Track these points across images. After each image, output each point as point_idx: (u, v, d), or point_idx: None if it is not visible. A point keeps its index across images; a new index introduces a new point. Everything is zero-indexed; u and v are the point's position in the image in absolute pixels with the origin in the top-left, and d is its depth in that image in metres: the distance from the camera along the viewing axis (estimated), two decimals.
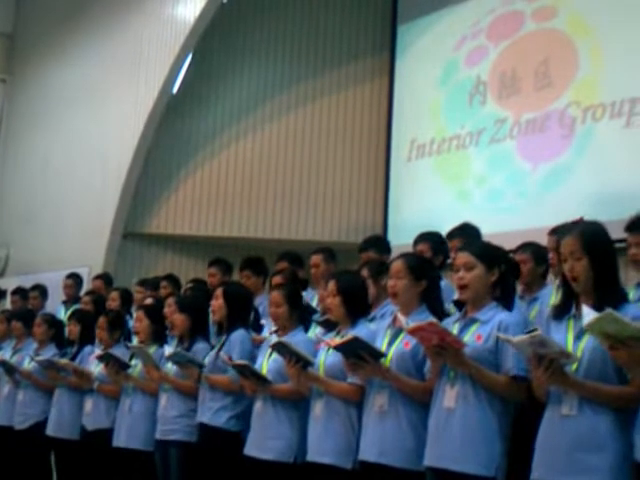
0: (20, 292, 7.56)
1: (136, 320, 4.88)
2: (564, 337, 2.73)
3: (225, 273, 5.62)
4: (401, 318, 3.17)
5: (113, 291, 6.15)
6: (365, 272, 4.05)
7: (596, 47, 6.61)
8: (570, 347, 2.69)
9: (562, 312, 2.80)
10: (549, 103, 6.86)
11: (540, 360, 2.62)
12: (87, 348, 5.35)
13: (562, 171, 6.64)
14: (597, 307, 2.57)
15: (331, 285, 3.68)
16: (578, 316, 2.74)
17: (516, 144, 7.09)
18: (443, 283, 3.84)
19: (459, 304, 3.53)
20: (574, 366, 2.65)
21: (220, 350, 4.23)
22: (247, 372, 3.89)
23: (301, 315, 4.06)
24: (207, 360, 4.31)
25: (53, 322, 5.79)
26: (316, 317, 4.41)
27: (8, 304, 8.22)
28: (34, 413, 5.54)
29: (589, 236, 2.74)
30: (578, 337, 2.71)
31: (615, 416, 2.62)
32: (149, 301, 5.34)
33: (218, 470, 4.12)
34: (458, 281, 3.13)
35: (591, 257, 2.71)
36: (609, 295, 2.68)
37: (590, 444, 2.60)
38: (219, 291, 4.39)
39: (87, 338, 5.37)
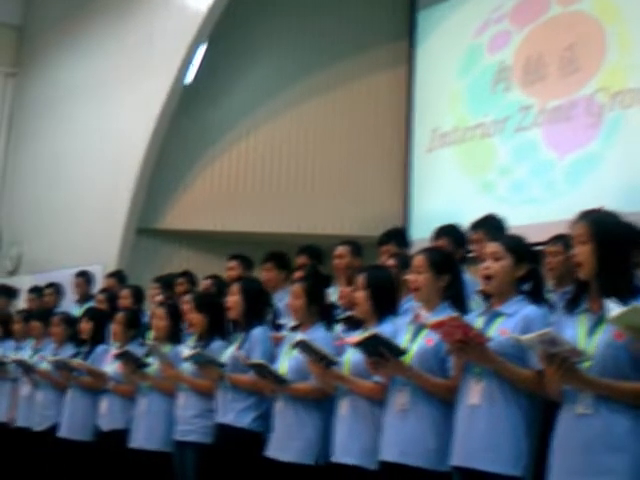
0: (36, 291, 7.63)
1: (157, 318, 4.91)
2: (576, 332, 2.73)
3: (246, 268, 5.63)
4: (422, 313, 3.18)
5: (125, 289, 6.19)
6: (392, 262, 4.08)
7: (625, 30, 6.56)
8: (582, 343, 2.69)
9: (574, 306, 2.81)
10: (576, 89, 6.82)
11: (551, 359, 2.61)
12: (100, 347, 5.42)
13: (589, 161, 6.61)
14: (601, 297, 2.60)
15: (360, 279, 3.69)
16: (590, 310, 2.74)
17: (542, 132, 7.06)
18: (466, 277, 3.85)
19: (485, 294, 3.53)
20: (587, 363, 2.64)
21: (240, 348, 4.25)
22: (264, 371, 3.91)
23: (322, 311, 4.08)
24: (227, 359, 4.33)
25: (70, 321, 5.84)
26: (336, 313, 4.43)
27: (22, 302, 8.30)
28: (52, 414, 5.59)
29: (598, 222, 2.77)
30: (590, 332, 2.70)
31: (634, 414, 2.60)
32: (160, 298, 5.38)
33: (241, 472, 4.14)
34: (483, 271, 3.15)
35: (597, 243, 2.72)
36: (613, 285, 2.67)
37: (607, 444, 2.59)
38: (235, 287, 4.40)
39: (100, 337, 5.43)
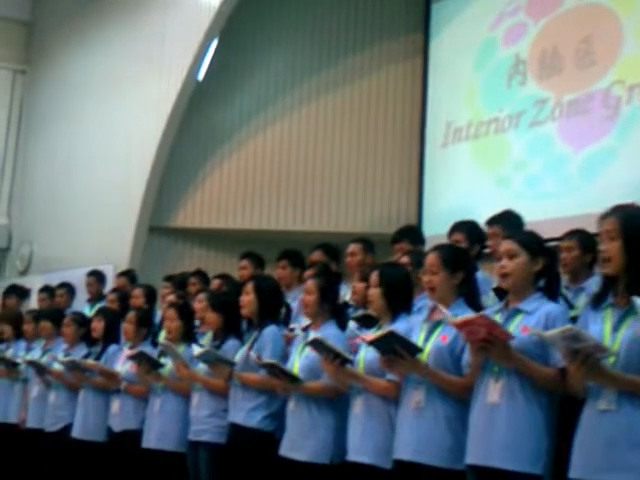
0: (47, 290, 7.66)
1: (168, 319, 4.96)
2: (601, 328, 2.74)
3: (257, 267, 5.68)
4: (444, 311, 3.20)
5: (137, 288, 6.24)
6: (405, 260, 4.10)
7: None
8: (607, 338, 2.70)
9: (600, 301, 2.82)
10: (592, 82, 6.81)
11: (575, 355, 2.62)
12: (112, 347, 5.46)
13: (605, 155, 6.59)
14: (628, 293, 2.61)
15: (374, 276, 3.72)
16: (616, 305, 2.76)
17: (557, 126, 7.06)
18: (480, 274, 3.87)
19: (500, 292, 3.55)
20: (611, 359, 2.66)
21: (252, 347, 4.29)
22: (277, 371, 3.94)
23: (334, 309, 4.11)
24: (238, 358, 4.38)
25: (83, 321, 5.87)
26: (349, 311, 4.46)
27: (33, 303, 8.36)
28: (65, 415, 5.63)
29: (630, 218, 2.76)
30: (615, 328, 2.71)
31: None
32: (172, 297, 5.42)
33: (251, 472, 4.18)
34: (500, 269, 3.17)
35: (626, 239, 2.72)
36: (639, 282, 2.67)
37: (630, 441, 2.59)
38: (250, 285, 4.44)
39: (112, 336, 5.48)
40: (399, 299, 3.69)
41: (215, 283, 5.55)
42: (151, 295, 6.15)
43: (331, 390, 3.83)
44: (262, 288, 4.42)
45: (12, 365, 6.39)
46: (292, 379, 3.91)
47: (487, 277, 4.36)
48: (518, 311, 3.12)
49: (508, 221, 4.47)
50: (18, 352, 6.54)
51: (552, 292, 3.19)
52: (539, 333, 2.80)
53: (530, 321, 3.06)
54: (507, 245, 3.19)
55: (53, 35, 10.83)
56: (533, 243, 3.20)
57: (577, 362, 2.62)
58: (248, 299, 4.41)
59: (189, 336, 4.92)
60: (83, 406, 5.43)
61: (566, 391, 2.96)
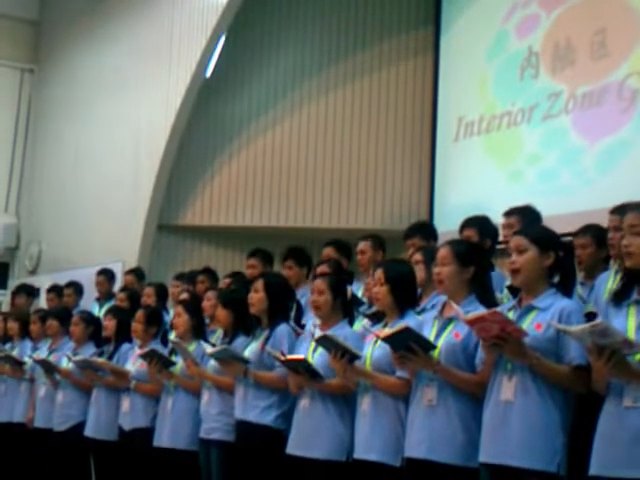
0: (56, 290, 7.69)
1: (176, 315, 4.99)
2: (624, 324, 2.72)
3: (265, 264, 5.67)
4: (456, 307, 3.18)
5: (148, 286, 6.28)
6: (418, 256, 4.09)
7: None
8: (632, 335, 2.68)
9: (622, 297, 2.79)
10: (607, 74, 6.76)
11: (601, 351, 2.60)
12: (125, 346, 5.48)
13: (621, 148, 6.54)
14: None
15: (379, 273, 3.71)
16: None
17: (571, 119, 7.01)
18: (493, 271, 3.84)
19: (514, 290, 3.52)
20: (637, 356, 2.63)
21: (264, 345, 4.27)
22: (301, 367, 3.91)
23: (345, 307, 4.09)
24: (250, 355, 4.35)
25: (91, 320, 5.89)
26: (362, 309, 4.44)
27: (42, 302, 8.38)
28: (74, 414, 5.65)
29: None
30: None
31: None
32: (184, 296, 5.42)
33: (263, 470, 4.18)
34: (510, 265, 3.15)
35: None
36: None
37: None
38: (259, 283, 4.42)
39: (124, 335, 5.48)
40: (405, 295, 3.69)
41: (225, 282, 5.53)
42: (162, 293, 6.18)
43: (348, 387, 3.81)
44: (272, 286, 4.40)
45: (17, 364, 6.40)
46: (313, 376, 3.88)
47: (500, 274, 4.32)
48: (531, 308, 3.10)
49: (526, 215, 4.45)
50: (24, 351, 6.56)
51: (567, 288, 3.16)
52: (565, 328, 2.77)
53: (544, 318, 3.04)
54: (516, 240, 3.17)
55: (61, 34, 10.87)
56: (543, 237, 3.17)
57: (603, 358, 2.60)
58: (258, 297, 4.39)
59: (199, 333, 4.92)
60: (95, 405, 5.45)
61: (579, 389, 2.96)
